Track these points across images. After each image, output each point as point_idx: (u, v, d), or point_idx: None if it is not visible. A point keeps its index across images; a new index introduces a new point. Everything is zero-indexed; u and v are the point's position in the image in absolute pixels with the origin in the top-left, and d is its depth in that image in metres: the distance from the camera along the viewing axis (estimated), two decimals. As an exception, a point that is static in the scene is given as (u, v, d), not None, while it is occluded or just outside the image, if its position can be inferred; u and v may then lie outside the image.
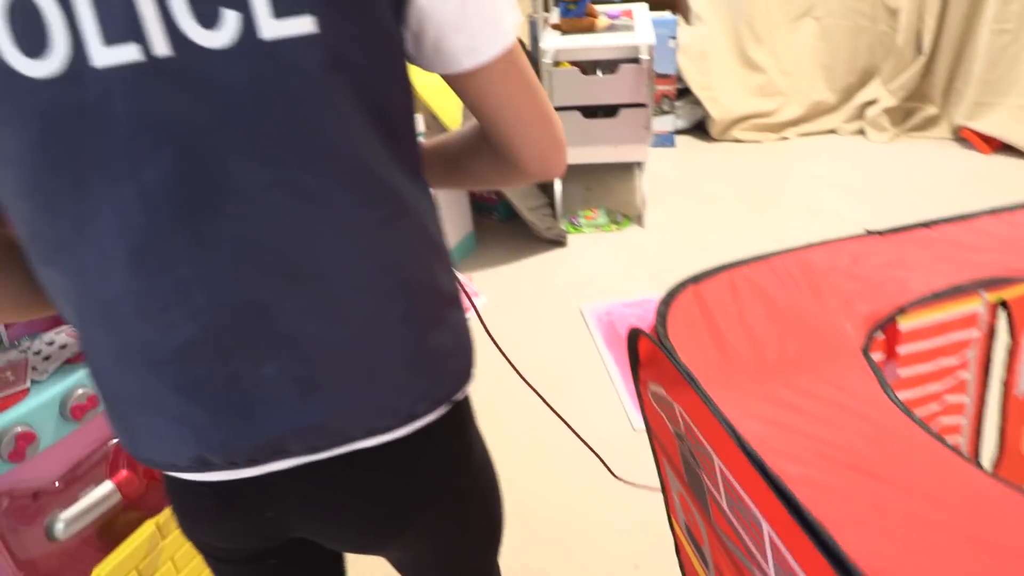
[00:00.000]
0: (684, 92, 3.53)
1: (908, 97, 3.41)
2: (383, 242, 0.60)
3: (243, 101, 0.52)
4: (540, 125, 0.68)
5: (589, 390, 2.11)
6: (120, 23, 0.50)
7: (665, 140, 3.49)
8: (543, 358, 2.21)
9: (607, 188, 3.14)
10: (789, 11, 3.45)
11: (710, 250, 2.71)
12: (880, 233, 1.00)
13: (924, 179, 3.13)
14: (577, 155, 2.81)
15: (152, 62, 0.51)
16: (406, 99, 0.60)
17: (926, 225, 1.03)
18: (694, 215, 2.95)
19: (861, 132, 3.51)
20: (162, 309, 0.57)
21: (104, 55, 0.50)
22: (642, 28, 2.76)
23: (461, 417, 0.74)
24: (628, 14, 2.95)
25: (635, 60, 2.58)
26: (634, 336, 0.75)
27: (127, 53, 0.50)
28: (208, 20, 0.50)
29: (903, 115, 3.48)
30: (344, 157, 0.56)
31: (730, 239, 2.76)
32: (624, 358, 2.15)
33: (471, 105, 0.66)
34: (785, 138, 3.53)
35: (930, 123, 3.47)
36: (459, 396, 0.71)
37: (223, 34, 0.50)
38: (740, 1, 3.41)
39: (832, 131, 3.56)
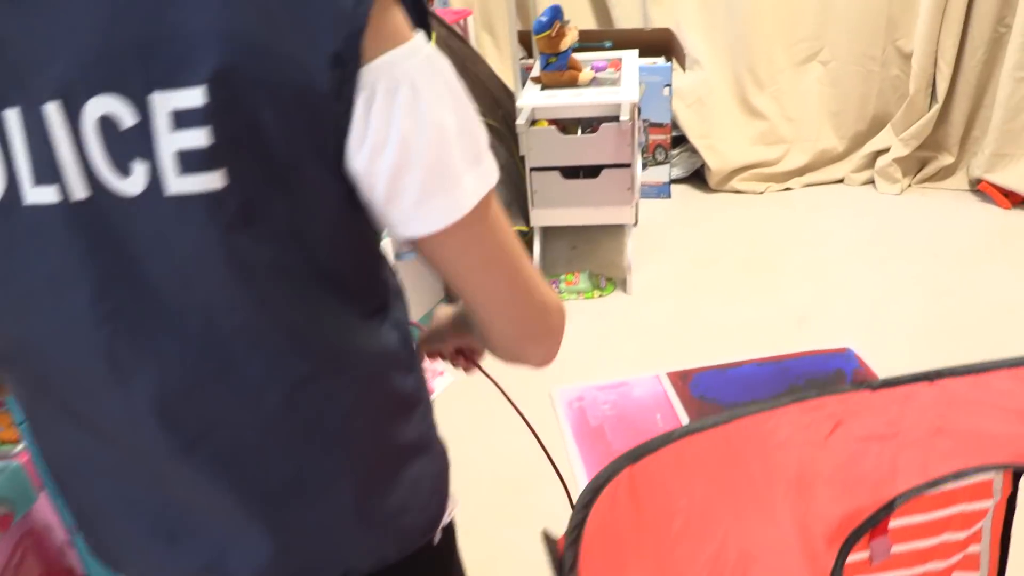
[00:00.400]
0: (681, 139, 3.33)
1: (921, 146, 3.19)
2: (302, 401, 0.58)
3: (149, 250, 0.52)
4: (510, 310, 0.61)
5: (553, 492, 1.92)
6: (45, 165, 0.51)
7: (660, 191, 3.30)
8: (506, 449, 2.02)
9: (595, 246, 2.96)
10: (794, 55, 3.24)
11: (698, 323, 2.51)
12: (871, 388, 0.84)
13: (938, 235, 2.91)
14: (556, 216, 2.64)
15: (71, 204, 0.52)
16: (355, 246, 0.58)
17: (928, 378, 0.86)
18: (686, 279, 2.75)
19: (871, 182, 3.29)
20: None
21: (32, 194, 0.52)
22: (628, 83, 2.57)
23: (432, 564, 0.71)
24: (616, 64, 2.77)
25: (618, 118, 2.39)
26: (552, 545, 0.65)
27: (49, 194, 0.52)
28: (121, 168, 0.50)
29: (916, 165, 3.25)
30: (250, 316, 0.54)
31: (722, 309, 2.56)
32: (593, 455, 1.96)
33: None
34: (789, 188, 3.32)
35: (945, 174, 3.24)
36: (417, 546, 0.68)
37: (134, 183, 0.50)
38: (741, 45, 3.21)
39: (840, 181, 3.34)
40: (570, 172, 2.54)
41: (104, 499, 0.65)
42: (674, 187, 3.34)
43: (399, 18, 0.53)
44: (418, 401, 0.67)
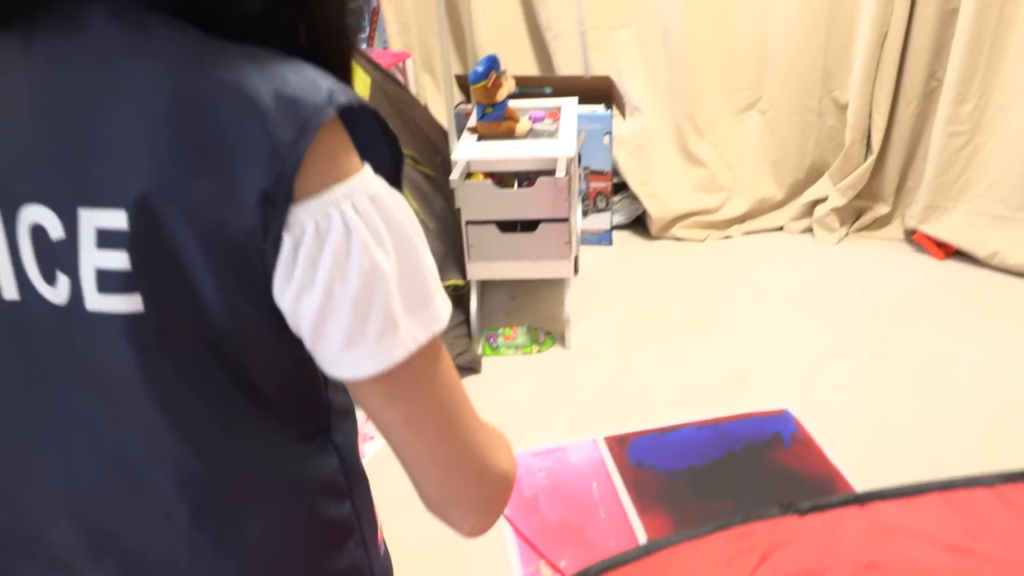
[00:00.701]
0: (622, 186, 3.31)
1: (858, 196, 3.22)
2: (212, 523, 0.57)
3: (70, 358, 0.53)
4: (437, 474, 0.57)
5: (485, 571, 1.84)
6: None
7: (602, 238, 3.26)
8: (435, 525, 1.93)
9: (534, 297, 2.90)
10: (733, 104, 3.25)
11: (637, 380, 2.46)
12: (799, 513, 0.79)
13: (874, 287, 2.92)
14: (493, 270, 2.58)
15: (5, 302, 0.53)
16: (288, 373, 0.56)
17: (858, 501, 0.81)
18: (626, 332, 2.71)
19: (810, 230, 3.31)
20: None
21: None
22: (565, 135, 2.53)
23: None
24: (554, 115, 2.73)
25: (555, 172, 2.34)
26: None
27: None
28: (48, 276, 0.51)
29: (853, 214, 3.28)
30: (162, 436, 0.54)
31: (662, 365, 2.52)
32: (527, 528, 1.89)
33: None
34: (729, 236, 3.32)
35: (881, 223, 3.28)
36: None
37: (59, 293, 0.51)
38: (681, 93, 3.20)
39: (780, 229, 3.35)
40: (507, 226, 2.49)
41: None
42: (616, 234, 3.31)
43: (343, 152, 0.52)
44: (351, 529, 0.63)
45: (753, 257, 3.17)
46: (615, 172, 3.23)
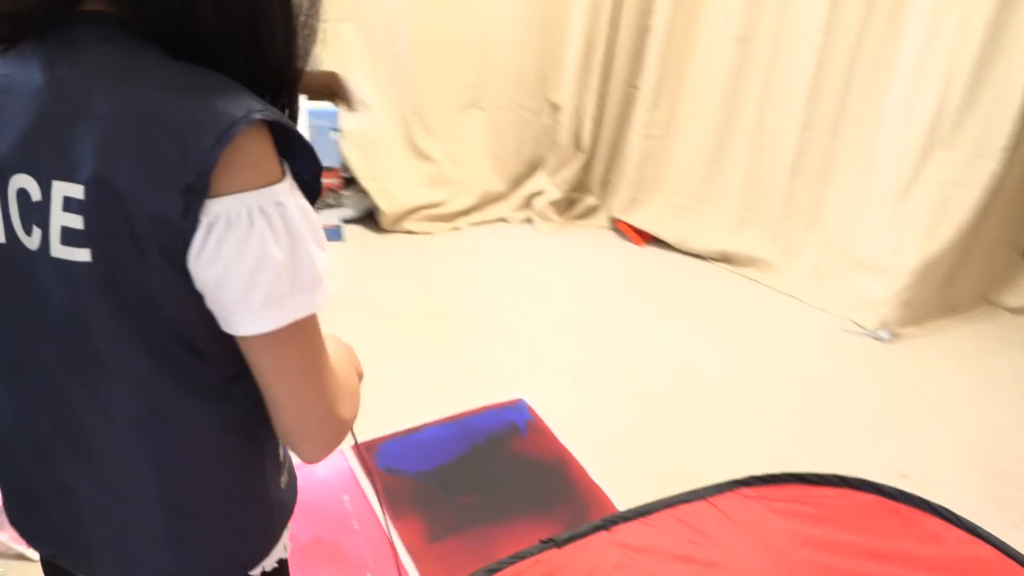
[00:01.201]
0: (353, 180, 3.30)
1: (571, 189, 3.51)
2: (146, 435, 0.73)
3: (40, 290, 0.69)
4: (294, 413, 0.73)
5: None
6: None
7: (333, 234, 3.24)
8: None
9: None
10: (456, 101, 3.37)
11: (379, 382, 2.50)
12: (557, 545, 0.89)
13: (586, 272, 3.22)
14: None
15: None
16: (207, 322, 0.69)
17: (605, 527, 0.93)
18: (364, 332, 2.72)
19: (530, 221, 3.55)
20: None
21: None
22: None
23: None
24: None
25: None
26: None
27: None
28: (26, 228, 0.68)
29: (568, 206, 3.57)
30: (114, 365, 0.70)
31: (401, 364, 2.58)
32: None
33: None
34: (457, 228, 3.45)
35: (591, 213, 3.60)
36: None
37: (33, 241, 0.67)
38: (407, 89, 3.25)
39: (503, 219, 3.55)
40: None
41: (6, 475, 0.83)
42: (348, 228, 3.30)
43: (263, 159, 0.66)
44: (254, 464, 0.80)
45: (481, 249, 3.34)
46: (344, 167, 3.21)
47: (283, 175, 0.67)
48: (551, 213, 3.49)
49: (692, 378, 2.63)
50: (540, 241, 3.45)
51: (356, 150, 3.23)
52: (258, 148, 0.66)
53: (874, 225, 3.01)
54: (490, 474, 2.13)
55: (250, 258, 0.65)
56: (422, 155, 3.38)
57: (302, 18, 0.72)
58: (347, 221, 3.32)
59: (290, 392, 0.72)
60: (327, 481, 2.09)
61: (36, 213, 0.66)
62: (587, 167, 3.50)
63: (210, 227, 0.64)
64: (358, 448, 2.04)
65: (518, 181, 3.55)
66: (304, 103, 2.77)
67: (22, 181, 0.67)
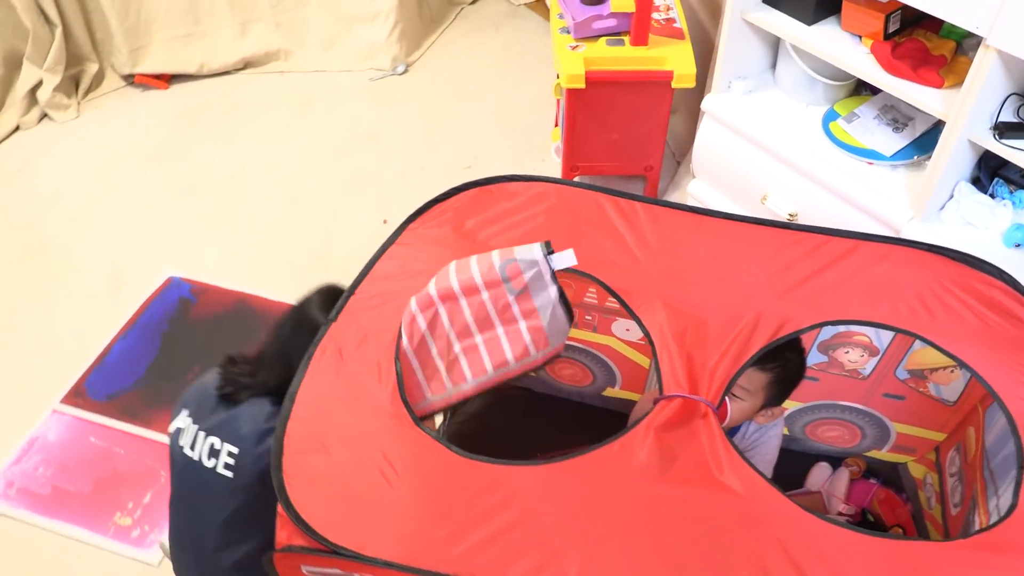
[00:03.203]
0: None
1: (67, 67, 3.36)
2: None
3: None
4: None
5: None
6: None
7: None
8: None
9: None
10: None
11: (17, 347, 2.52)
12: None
13: (141, 139, 3.26)
14: None
15: None
16: None
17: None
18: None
19: (47, 117, 3.38)
20: None
21: None
22: None
23: None
24: None
25: None
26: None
27: None
28: None
29: (74, 84, 3.44)
30: None
31: (33, 313, 2.59)
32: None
33: None
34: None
35: (101, 81, 3.51)
36: None
37: None
38: None
39: (18, 128, 3.33)
40: None
41: None
42: None
43: None
44: None
45: (29, 163, 3.16)
46: None
47: None
48: (63, 100, 3.35)
49: (290, 175, 3.03)
50: (68, 131, 3.33)
51: None
52: None
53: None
54: (193, 345, 2.42)
55: None
56: None
57: None
58: None
59: None
60: (65, 440, 2.22)
61: None
62: (69, 37, 3.35)
63: None
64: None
65: (5, 85, 3.30)
66: None
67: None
